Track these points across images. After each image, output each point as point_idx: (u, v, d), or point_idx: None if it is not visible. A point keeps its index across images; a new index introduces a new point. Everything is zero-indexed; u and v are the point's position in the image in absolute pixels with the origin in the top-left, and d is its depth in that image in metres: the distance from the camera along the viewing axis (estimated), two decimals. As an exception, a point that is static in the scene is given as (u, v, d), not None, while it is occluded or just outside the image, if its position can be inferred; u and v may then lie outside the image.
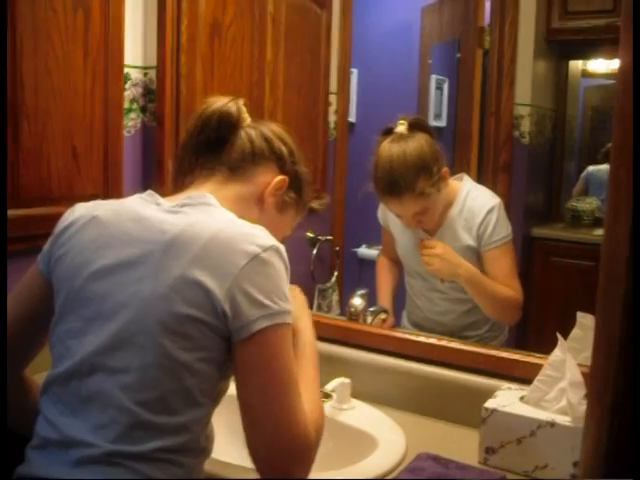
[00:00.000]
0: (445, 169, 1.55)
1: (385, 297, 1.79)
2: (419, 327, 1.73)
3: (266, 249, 0.91)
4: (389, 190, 1.53)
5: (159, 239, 0.93)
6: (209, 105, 1.09)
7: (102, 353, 0.91)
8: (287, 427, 0.88)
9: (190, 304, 0.88)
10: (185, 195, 1.03)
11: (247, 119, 1.11)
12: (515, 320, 1.64)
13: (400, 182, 1.50)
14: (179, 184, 1.09)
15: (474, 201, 1.62)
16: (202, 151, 1.08)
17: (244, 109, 1.11)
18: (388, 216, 1.73)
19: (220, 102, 1.09)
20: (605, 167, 2.00)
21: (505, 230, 1.59)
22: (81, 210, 1.02)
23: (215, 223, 0.94)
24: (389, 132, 1.57)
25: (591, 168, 2.04)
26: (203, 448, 0.96)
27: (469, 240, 1.60)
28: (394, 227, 1.74)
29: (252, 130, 1.10)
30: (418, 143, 1.52)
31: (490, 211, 1.58)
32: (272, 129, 1.13)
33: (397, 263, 1.81)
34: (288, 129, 1.16)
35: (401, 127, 1.55)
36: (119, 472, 0.87)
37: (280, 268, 0.93)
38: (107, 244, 0.95)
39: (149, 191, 1.04)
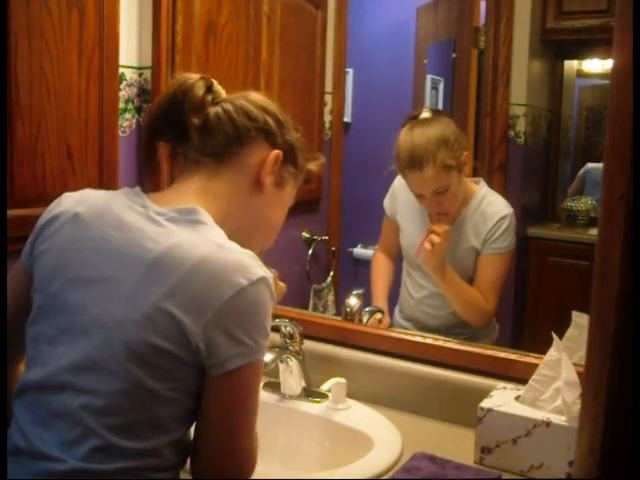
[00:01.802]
0: (467, 153, 1.59)
1: (381, 296, 1.79)
2: (412, 321, 1.73)
3: (254, 282, 0.86)
4: (411, 162, 1.54)
5: (140, 258, 0.87)
6: (170, 84, 1.00)
7: (73, 371, 0.88)
8: (246, 455, 0.92)
9: (163, 336, 0.84)
10: (174, 195, 0.98)
11: (221, 93, 1.02)
12: (477, 325, 1.64)
13: (422, 153, 1.53)
14: (149, 176, 1.04)
15: (488, 206, 1.64)
16: (172, 137, 1.00)
17: (215, 83, 1.02)
18: (397, 204, 1.75)
19: (183, 78, 0.99)
20: (601, 165, 2.00)
21: (509, 240, 1.61)
22: (66, 204, 0.97)
23: (201, 248, 0.87)
24: (414, 118, 1.60)
25: (590, 165, 2.04)
26: (177, 464, 0.93)
27: (475, 242, 1.62)
28: (403, 216, 1.74)
29: (230, 106, 1.00)
30: (441, 123, 1.58)
31: (502, 218, 1.60)
32: (252, 100, 1.03)
33: (393, 260, 1.82)
34: (270, 95, 1.09)
35: (425, 114, 1.60)
36: None
37: (265, 300, 0.88)
38: (87, 250, 0.91)
39: (137, 189, 0.98)
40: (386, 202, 1.80)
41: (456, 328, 1.63)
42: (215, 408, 0.89)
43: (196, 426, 0.92)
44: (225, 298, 0.84)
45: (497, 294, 1.60)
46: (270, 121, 1.02)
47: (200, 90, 0.99)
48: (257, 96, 1.05)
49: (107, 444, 0.85)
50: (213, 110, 0.99)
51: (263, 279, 0.87)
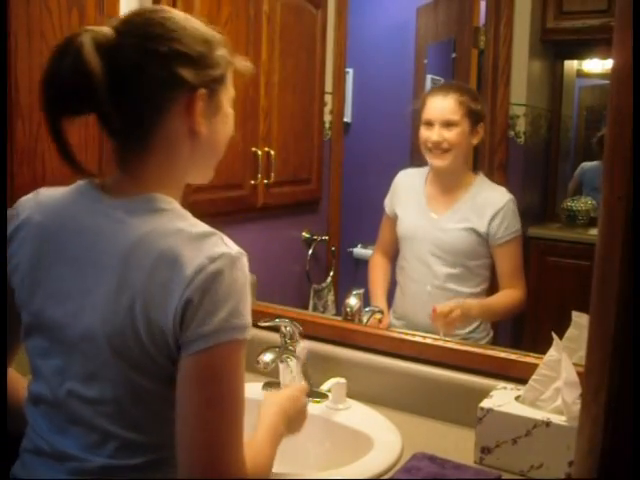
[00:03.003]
0: (482, 124, 1.70)
1: (380, 296, 1.80)
2: (404, 319, 1.74)
3: (214, 259, 0.82)
4: (439, 90, 1.78)
5: (107, 264, 0.86)
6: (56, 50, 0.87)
7: (76, 384, 0.89)
8: (219, 453, 0.82)
9: (146, 338, 0.84)
10: (125, 182, 0.92)
11: (108, 33, 0.87)
12: (520, 312, 1.73)
13: (450, 86, 1.80)
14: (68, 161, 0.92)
15: (492, 191, 1.71)
16: (77, 109, 0.90)
17: (100, 30, 0.87)
18: (397, 198, 1.80)
19: (67, 41, 0.86)
20: (595, 164, 2.01)
21: (518, 223, 1.67)
22: (25, 212, 0.94)
23: (161, 240, 0.84)
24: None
25: (585, 165, 2.05)
26: None
27: (477, 224, 1.66)
28: (402, 205, 1.78)
29: (129, 59, 0.86)
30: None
31: (509, 201, 1.66)
32: (146, 24, 0.89)
33: (390, 261, 1.84)
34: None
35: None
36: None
37: (231, 278, 0.83)
38: (57, 264, 0.90)
39: (90, 183, 0.93)
40: (386, 201, 1.83)
41: None
42: (182, 400, 0.84)
43: (177, 426, 0.85)
44: (187, 281, 0.81)
45: (522, 276, 1.67)
46: (181, 54, 0.89)
47: (90, 46, 0.85)
48: (153, 12, 0.91)
49: (128, 442, 0.88)
50: (108, 56, 0.86)
51: (225, 255, 0.83)
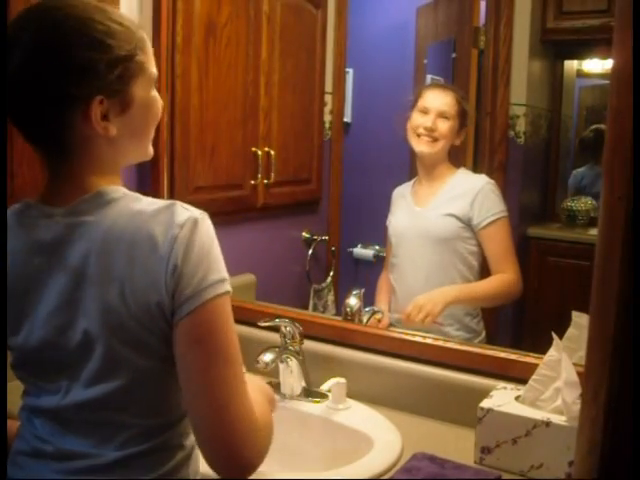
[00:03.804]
0: (465, 130, 1.77)
1: (383, 304, 1.81)
2: (399, 313, 1.73)
3: (182, 225, 0.85)
4: (437, 85, 1.89)
5: (83, 270, 0.86)
6: None
7: (79, 392, 0.89)
8: (227, 406, 0.84)
9: (145, 325, 0.85)
10: (63, 190, 0.90)
11: None
12: (516, 297, 1.70)
13: (448, 85, 1.90)
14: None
15: (470, 177, 1.75)
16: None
17: None
18: (392, 208, 1.83)
19: None
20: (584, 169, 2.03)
21: (501, 205, 1.67)
22: None
23: (127, 227, 0.86)
24: None
25: (577, 171, 2.06)
26: None
27: (457, 209, 1.68)
28: (393, 213, 1.82)
29: (20, 66, 0.84)
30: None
31: (487, 184, 1.68)
32: (39, 47, 0.84)
33: None
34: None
35: None
36: (129, 472, 0.89)
37: (202, 238, 0.86)
38: (33, 287, 0.89)
39: (23, 204, 0.93)
40: (388, 221, 1.85)
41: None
42: (182, 364, 0.86)
43: (183, 392, 0.88)
44: (166, 254, 0.84)
45: (513, 259, 1.65)
46: (65, 82, 0.85)
47: None
48: (38, 49, 0.85)
49: (138, 430, 0.89)
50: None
51: (190, 219, 0.86)
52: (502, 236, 1.67)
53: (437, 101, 1.74)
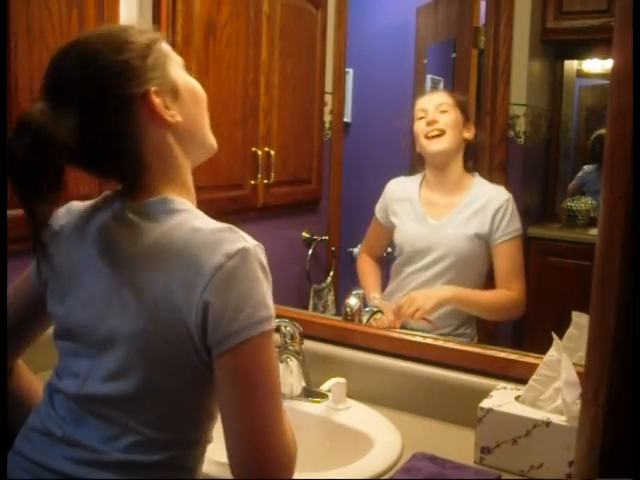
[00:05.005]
0: (472, 124, 1.75)
1: (373, 285, 1.82)
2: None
3: (232, 256, 0.83)
4: (432, 89, 1.98)
5: (127, 269, 0.88)
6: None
7: (97, 385, 0.91)
8: (267, 436, 0.85)
9: (168, 339, 0.86)
10: (141, 191, 0.93)
11: (37, 108, 0.87)
12: (516, 317, 1.70)
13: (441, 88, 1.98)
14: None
15: (490, 191, 1.70)
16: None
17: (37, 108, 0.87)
18: (391, 207, 1.80)
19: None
20: (594, 167, 2.02)
21: (518, 222, 1.66)
22: (58, 222, 0.97)
23: (177, 240, 0.86)
24: None
25: (587, 168, 2.05)
26: (205, 440, 0.96)
27: (477, 227, 1.65)
28: (398, 216, 1.78)
29: (72, 109, 0.86)
30: None
31: (508, 200, 1.66)
32: (64, 74, 0.89)
33: (379, 262, 1.86)
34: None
35: None
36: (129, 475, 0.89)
37: (251, 272, 0.85)
38: (83, 269, 0.93)
39: (111, 192, 0.97)
40: (377, 208, 1.84)
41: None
42: (225, 391, 0.86)
43: (222, 424, 0.89)
44: (205, 282, 0.83)
45: (521, 279, 1.64)
46: (118, 85, 0.88)
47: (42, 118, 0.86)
48: (70, 72, 0.89)
49: (144, 438, 0.89)
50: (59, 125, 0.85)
51: (242, 250, 0.84)
52: (515, 255, 1.65)
53: (431, 100, 1.75)
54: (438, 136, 1.70)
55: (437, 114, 1.70)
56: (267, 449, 0.85)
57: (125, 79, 0.88)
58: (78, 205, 1.00)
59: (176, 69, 0.95)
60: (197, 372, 0.88)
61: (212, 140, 1.00)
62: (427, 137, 1.71)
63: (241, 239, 0.86)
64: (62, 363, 0.97)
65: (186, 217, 0.90)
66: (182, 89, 0.94)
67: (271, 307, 0.87)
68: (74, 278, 0.94)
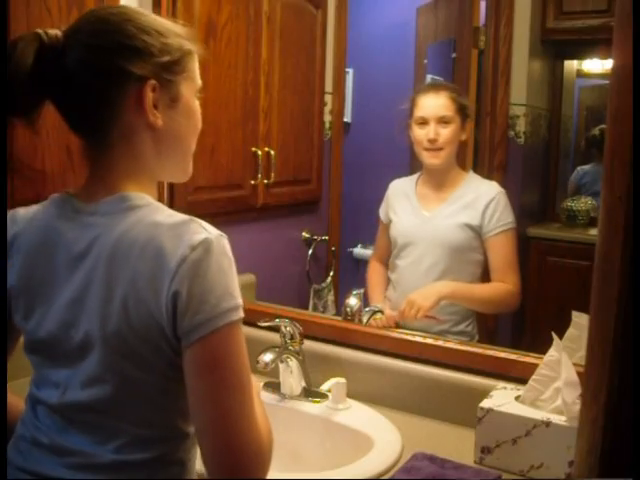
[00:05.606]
0: (469, 121, 1.73)
1: (378, 296, 1.81)
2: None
3: (195, 247, 0.82)
4: (430, 87, 1.85)
5: (92, 271, 0.87)
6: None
7: (77, 392, 0.90)
8: (235, 436, 0.83)
9: (140, 336, 0.85)
10: (96, 186, 0.92)
11: (56, 34, 0.89)
12: (513, 309, 1.71)
13: (441, 84, 1.90)
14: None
15: (481, 185, 1.72)
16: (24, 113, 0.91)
17: (46, 33, 0.88)
18: (391, 205, 1.81)
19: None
20: (590, 166, 2.03)
21: (511, 216, 1.66)
22: (18, 224, 0.95)
23: (140, 236, 0.85)
24: None
25: (583, 168, 2.05)
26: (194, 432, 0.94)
27: (468, 218, 1.66)
28: (395, 211, 1.79)
29: (71, 40, 0.88)
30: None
31: (499, 193, 1.66)
32: (90, 22, 0.90)
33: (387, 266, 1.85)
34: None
35: None
36: (124, 475, 0.89)
37: (215, 262, 0.83)
38: (46, 278, 0.91)
39: (61, 195, 0.94)
40: (381, 210, 1.84)
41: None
42: (194, 383, 0.85)
43: (191, 417, 0.89)
44: (172, 273, 0.82)
45: (516, 271, 1.65)
46: (126, 57, 0.88)
47: (30, 54, 0.87)
48: (97, 22, 0.90)
49: (133, 438, 0.89)
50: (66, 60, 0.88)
51: (205, 241, 0.83)
52: (508, 247, 1.66)
53: (433, 108, 1.69)
54: (437, 150, 1.70)
55: (438, 129, 1.68)
56: (236, 450, 0.84)
57: (135, 55, 0.88)
58: (24, 212, 0.96)
59: (188, 87, 0.95)
60: (174, 365, 0.87)
61: (189, 167, 0.99)
62: (426, 149, 1.70)
63: (203, 230, 0.85)
64: (38, 374, 0.95)
65: (145, 212, 0.88)
66: (182, 104, 0.94)
67: (237, 296, 0.85)
68: (38, 290, 0.91)
